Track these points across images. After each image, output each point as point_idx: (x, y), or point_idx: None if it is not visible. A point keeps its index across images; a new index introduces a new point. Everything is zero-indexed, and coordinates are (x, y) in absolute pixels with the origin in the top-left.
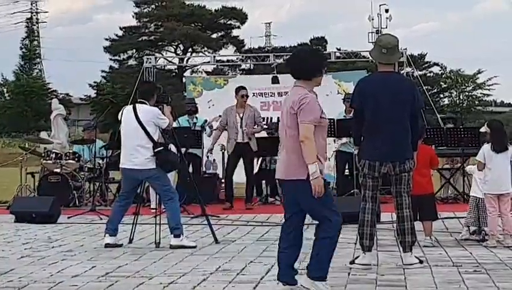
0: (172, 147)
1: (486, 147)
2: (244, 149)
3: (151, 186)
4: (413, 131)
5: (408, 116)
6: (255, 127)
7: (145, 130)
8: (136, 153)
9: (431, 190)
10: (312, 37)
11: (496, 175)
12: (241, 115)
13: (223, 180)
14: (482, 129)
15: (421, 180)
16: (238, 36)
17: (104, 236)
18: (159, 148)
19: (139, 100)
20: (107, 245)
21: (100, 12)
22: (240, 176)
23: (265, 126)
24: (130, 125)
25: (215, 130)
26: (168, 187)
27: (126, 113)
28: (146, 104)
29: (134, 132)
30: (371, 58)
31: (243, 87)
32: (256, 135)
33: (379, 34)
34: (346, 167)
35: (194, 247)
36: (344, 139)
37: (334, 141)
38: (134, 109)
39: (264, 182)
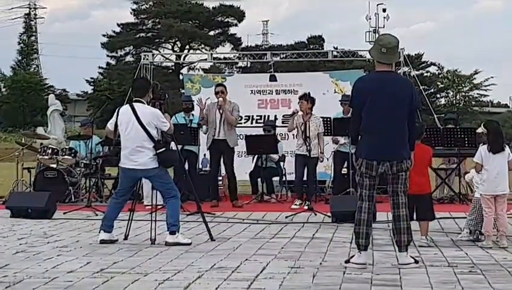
0: (173, 146)
1: (483, 148)
2: (222, 146)
3: (153, 185)
4: (410, 131)
5: (406, 115)
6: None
7: (146, 131)
8: (138, 154)
9: (428, 189)
10: (309, 36)
11: (492, 176)
12: (220, 111)
13: (219, 178)
14: (479, 130)
15: (419, 180)
16: (235, 34)
17: (99, 232)
18: (161, 150)
19: (135, 99)
20: (102, 241)
21: (98, 9)
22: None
23: (237, 119)
24: (130, 126)
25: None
26: (171, 185)
27: (124, 114)
28: (143, 102)
29: (136, 133)
30: (368, 57)
31: (218, 84)
32: (253, 133)
33: (376, 34)
34: (344, 166)
35: (189, 244)
36: (342, 140)
37: (333, 141)
38: (133, 109)
39: (259, 179)
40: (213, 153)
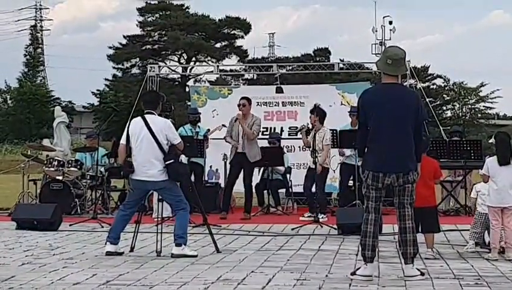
0: (183, 159)
1: (490, 160)
2: (242, 160)
3: (162, 197)
4: (416, 143)
5: (412, 127)
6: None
7: (158, 143)
8: (150, 165)
9: (434, 202)
10: (316, 48)
11: (499, 188)
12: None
13: None
14: (491, 141)
15: (425, 192)
16: (241, 46)
17: (105, 244)
18: (170, 161)
19: (146, 111)
20: (108, 253)
21: (107, 21)
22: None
23: (256, 133)
24: (142, 137)
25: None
26: (180, 198)
27: (136, 125)
28: (154, 114)
29: (148, 144)
30: (374, 69)
31: (242, 98)
32: (259, 145)
33: (383, 46)
34: (350, 179)
35: (195, 256)
36: (348, 152)
37: (340, 153)
38: (145, 120)
39: (265, 191)
40: (233, 166)
